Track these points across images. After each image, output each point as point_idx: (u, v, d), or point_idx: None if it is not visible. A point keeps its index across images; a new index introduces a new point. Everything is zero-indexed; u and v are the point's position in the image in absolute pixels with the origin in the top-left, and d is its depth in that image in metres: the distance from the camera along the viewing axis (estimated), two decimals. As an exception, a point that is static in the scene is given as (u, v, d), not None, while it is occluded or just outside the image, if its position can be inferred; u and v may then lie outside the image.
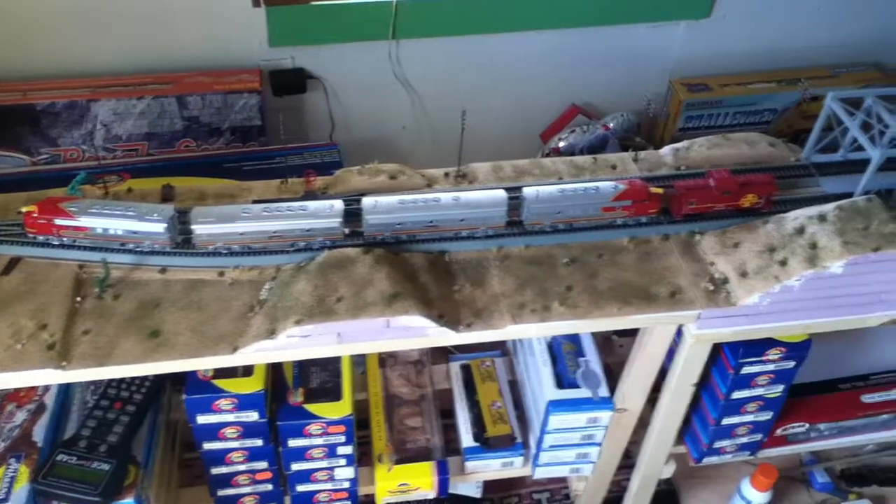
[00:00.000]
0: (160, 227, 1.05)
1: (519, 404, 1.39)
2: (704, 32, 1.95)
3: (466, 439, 1.34)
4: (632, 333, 1.18)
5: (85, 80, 1.68)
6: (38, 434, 1.16)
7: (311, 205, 1.08)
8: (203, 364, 1.02)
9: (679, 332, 1.13)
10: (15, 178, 1.66)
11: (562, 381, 1.26)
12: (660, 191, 1.13)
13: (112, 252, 1.07)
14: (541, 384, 1.27)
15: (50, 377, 0.98)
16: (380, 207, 1.08)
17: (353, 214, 1.09)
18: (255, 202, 1.13)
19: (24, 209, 1.07)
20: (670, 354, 1.19)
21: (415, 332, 1.02)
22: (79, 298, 1.05)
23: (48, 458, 1.10)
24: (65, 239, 1.07)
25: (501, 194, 1.10)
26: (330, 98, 1.85)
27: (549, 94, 1.97)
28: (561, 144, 1.89)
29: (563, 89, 1.97)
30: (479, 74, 1.92)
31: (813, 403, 1.39)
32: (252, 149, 1.76)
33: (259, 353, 1.01)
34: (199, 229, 1.06)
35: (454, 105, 1.87)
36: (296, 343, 1.00)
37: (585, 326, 1.06)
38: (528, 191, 1.11)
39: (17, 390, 1.20)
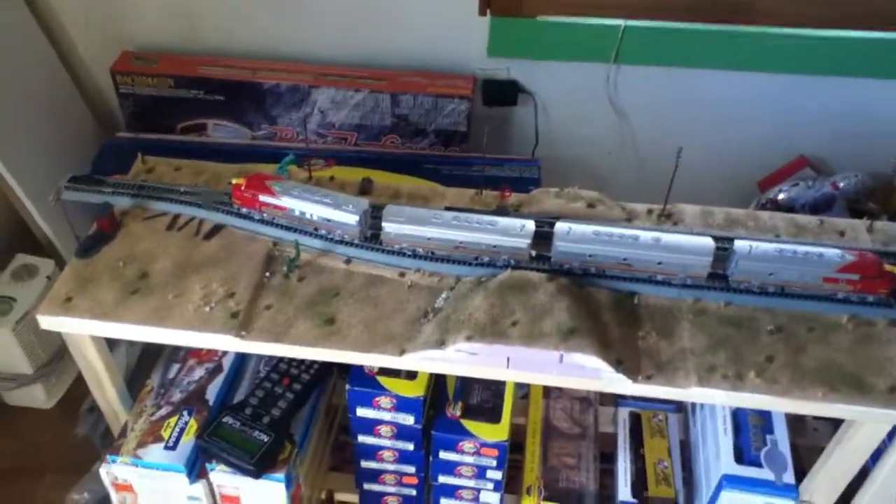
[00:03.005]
0: (353, 220, 1.06)
1: (687, 467, 1.28)
2: (971, 96, 1.71)
3: (624, 492, 1.25)
4: (832, 418, 1.04)
5: (309, 66, 1.76)
6: (211, 393, 1.22)
7: (502, 221, 1.05)
8: (369, 360, 1.01)
9: (892, 433, 0.98)
10: (233, 148, 1.78)
11: (742, 456, 1.14)
12: (895, 269, 0.99)
13: (305, 235, 1.10)
14: (717, 454, 1.15)
15: (228, 344, 1.02)
16: (573, 235, 1.03)
17: (542, 237, 1.04)
18: (446, 209, 1.12)
19: (233, 181, 1.12)
20: (876, 452, 1.04)
21: (588, 372, 0.95)
22: (267, 274, 1.08)
23: (215, 418, 1.15)
24: (265, 215, 1.11)
25: (708, 242, 1.01)
26: (538, 114, 1.82)
27: (774, 140, 1.81)
28: (780, 196, 1.72)
29: (791, 138, 1.80)
30: (698, 110, 1.80)
31: None
32: (454, 153, 1.76)
33: (425, 361, 0.99)
34: (388, 227, 1.06)
35: (666, 138, 1.79)
36: (463, 359, 0.97)
37: (781, 405, 0.94)
38: (740, 244, 1.00)
39: (201, 348, 1.27)
